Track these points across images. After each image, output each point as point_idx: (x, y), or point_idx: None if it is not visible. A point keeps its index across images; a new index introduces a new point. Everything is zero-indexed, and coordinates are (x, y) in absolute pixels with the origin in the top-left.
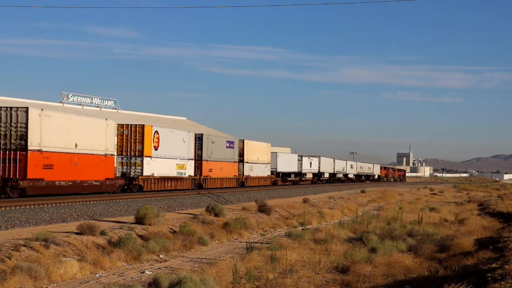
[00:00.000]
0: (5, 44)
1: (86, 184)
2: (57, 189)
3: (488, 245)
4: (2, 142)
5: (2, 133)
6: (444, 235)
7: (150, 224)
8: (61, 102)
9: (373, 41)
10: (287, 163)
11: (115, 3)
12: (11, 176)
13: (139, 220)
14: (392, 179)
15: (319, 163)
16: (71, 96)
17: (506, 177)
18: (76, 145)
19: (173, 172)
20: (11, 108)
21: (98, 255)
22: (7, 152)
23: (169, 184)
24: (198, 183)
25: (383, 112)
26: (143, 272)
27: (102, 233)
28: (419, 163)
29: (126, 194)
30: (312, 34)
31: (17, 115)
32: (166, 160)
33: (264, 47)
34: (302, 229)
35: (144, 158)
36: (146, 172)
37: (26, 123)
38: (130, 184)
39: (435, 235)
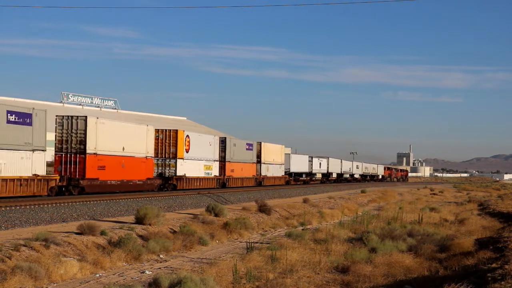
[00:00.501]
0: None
1: (131, 183)
2: (108, 188)
3: (488, 245)
4: (64, 146)
5: (64, 138)
6: (444, 235)
7: (150, 224)
8: (61, 102)
9: (373, 41)
10: (299, 163)
11: (115, 3)
12: (73, 176)
13: (139, 220)
14: (395, 179)
15: (328, 164)
16: (71, 96)
17: (506, 177)
18: (123, 149)
19: (201, 173)
20: (71, 116)
21: (98, 255)
22: (69, 155)
23: (198, 183)
24: (222, 182)
25: (383, 112)
26: (143, 272)
27: (102, 233)
28: (419, 163)
29: (127, 194)
30: (312, 34)
31: (77, 123)
32: (196, 161)
33: (264, 47)
34: (302, 229)
35: (177, 160)
36: (179, 173)
37: (85, 130)
38: (166, 183)
39: (435, 235)
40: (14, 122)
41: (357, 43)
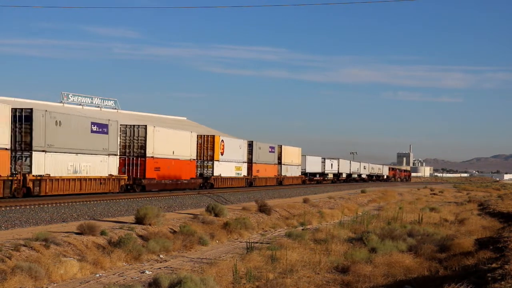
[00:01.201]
0: (5, 44)
1: (179, 182)
2: (163, 186)
3: (488, 245)
4: (127, 151)
5: (127, 144)
6: (444, 235)
7: (150, 224)
8: (61, 102)
9: (373, 41)
10: (314, 164)
11: (115, 3)
12: (136, 176)
13: (139, 220)
14: (399, 179)
15: (338, 165)
16: (71, 96)
17: (506, 177)
18: (173, 152)
19: (232, 173)
20: (133, 125)
21: (98, 255)
22: (131, 158)
23: (230, 183)
24: (250, 182)
25: (383, 112)
26: (143, 272)
27: (102, 233)
28: (419, 163)
29: (127, 194)
30: (312, 34)
31: (138, 131)
32: (229, 163)
33: (264, 47)
34: (302, 229)
35: (214, 161)
36: (216, 173)
37: (145, 137)
38: (205, 182)
39: (435, 235)
40: (96, 132)
41: (357, 43)
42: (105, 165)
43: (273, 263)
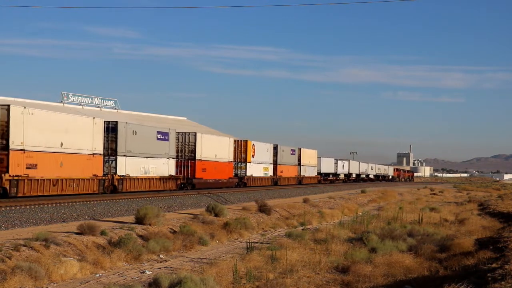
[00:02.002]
0: (5, 44)
1: (220, 181)
2: (209, 185)
3: (488, 245)
4: (180, 154)
5: (180, 148)
6: (444, 235)
7: (150, 224)
8: (61, 102)
9: (373, 41)
10: (327, 165)
11: (115, 3)
12: (187, 176)
13: (139, 220)
14: (403, 179)
15: (349, 166)
16: (71, 96)
17: (507, 177)
18: (215, 156)
19: (261, 173)
20: (185, 133)
21: (98, 255)
22: (183, 161)
23: (259, 182)
24: (275, 181)
25: (383, 112)
26: (143, 272)
27: (102, 233)
28: (419, 163)
29: (127, 194)
30: (312, 34)
31: (189, 137)
32: (258, 164)
33: (264, 47)
34: (302, 229)
35: (247, 163)
36: (248, 173)
37: (194, 142)
38: (240, 181)
39: (435, 235)
40: (160, 139)
41: (357, 43)
42: (166, 167)
43: (273, 263)
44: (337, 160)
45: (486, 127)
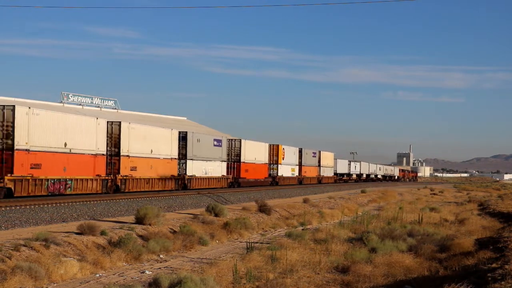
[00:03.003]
0: (5, 44)
1: (259, 180)
2: (250, 183)
3: (488, 245)
4: (226, 158)
5: (228, 152)
6: (444, 235)
7: (150, 224)
8: (61, 102)
9: (373, 41)
10: (342, 166)
11: (115, 3)
12: (234, 176)
13: (139, 220)
14: (407, 179)
15: (360, 167)
16: (71, 96)
17: (507, 177)
18: (255, 158)
19: (289, 173)
20: (232, 139)
21: (98, 255)
22: (230, 163)
23: (288, 181)
24: (300, 180)
25: (383, 112)
26: (143, 272)
27: (102, 233)
28: (419, 163)
29: (127, 194)
30: (312, 34)
31: (235, 143)
32: (287, 166)
33: (264, 47)
34: (302, 229)
35: (278, 165)
36: (279, 173)
37: (239, 148)
38: (273, 180)
39: (435, 235)
40: (215, 145)
41: (357, 43)
42: (219, 168)
43: (273, 263)
44: (350, 161)
45: (486, 127)
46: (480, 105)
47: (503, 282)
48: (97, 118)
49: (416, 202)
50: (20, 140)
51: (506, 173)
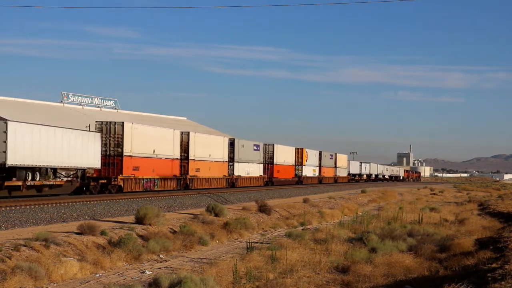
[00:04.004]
0: (5, 44)
1: (287, 179)
2: (281, 182)
3: (488, 245)
4: (263, 160)
5: (263, 156)
6: (444, 235)
7: (150, 224)
8: (61, 102)
9: (373, 41)
10: (354, 167)
11: (115, 3)
12: (269, 176)
13: (140, 220)
14: (411, 179)
15: (370, 167)
16: (71, 96)
17: (507, 177)
18: (284, 160)
19: (311, 174)
20: (266, 144)
21: (98, 255)
22: (265, 165)
23: (310, 181)
24: (320, 180)
25: (383, 112)
26: (143, 272)
27: (103, 233)
28: (419, 163)
29: (126, 194)
30: (312, 34)
31: (269, 147)
32: (310, 167)
33: (264, 47)
34: (302, 229)
35: (302, 166)
36: (303, 174)
37: (273, 151)
38: (298, 180)
39: (435, 235)
40: (255, 150)
41: (357, 43)
42: (258, 169)
43: (273, 263)
44: (361, 163)
45: (486, 127)
46: (480, 105)
47: (503, 282)
48: (174, 130)
49: (416, 202)
50: (127, 148)
51: (506, 173)
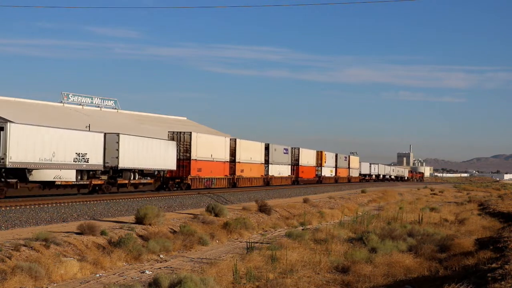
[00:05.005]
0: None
1: (310, 179)
2: (305, 181)
3: (488, 245)
4: (290, 162)
5: (290, 158)
6: (444, 235)
7: (150, 224)
8: (61, 102)
9: (374, 41)
10: (365, 168)
11: (115, 3)
12: (295, 176)
13: (140, 220)
14: (415, 179)
15: (378, 168)
16: (71, 96)
17: (507, 177)
18: (307, 162)
19: (329, 174)
20: (293, 147)
21: (98, 255)
22: (292, 166)
23: (328, 180)
24: (336, 179)
25: (384, 112)
26: (143, 272)
27: (103, 233)
28: (419, 163)
29: (127, 194)
30: (314, 34)
31: (295, 150)
32: (327, 168)
33: (266, 47)
34: (303, 229)
35: (322, 167)
36: (322, 174)
37: (298, 154)
38: (319, 179)
39: (435, 235)
40: (284, 153)
41: (359, 43)
42: (287, 170)
43: (273, 263)
44: (370, 164)
45: (486, 127)
46: (481, 105)
47: (503, 282)
48: (225, 137)
49: (416, 202)
50: (193, 154)
51: (506, 173)
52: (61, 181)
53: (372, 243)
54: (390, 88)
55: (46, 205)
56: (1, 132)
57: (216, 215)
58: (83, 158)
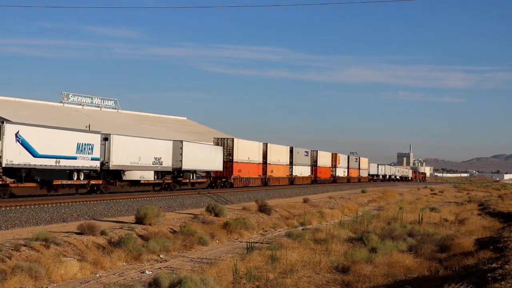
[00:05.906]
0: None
1: (326, 179)
2: (321, 181)
3: (488, 245)
4: (309, 163)
5: (310, 159)
6: (444, 235)
7: (150, 224)
8: (61, 102)
9: (374, 41)
10: (373, 168)
11: (116, 3)
12: (314, 176)
13: (140, 220)
14: (418, 179)
15: (385, 169)
16: (71, 96)
17: (507, 177)
18: (324, 164)
19: (342, 174)
20: (311, 150)
21: (98, 255)
22: (311, 167)
23: (341, 180)
24: (348, 179)
25: (384, 112)
26: (143, 272)
27: (103, 233)
28: (419, 163)
29: (127, 194)
30: (313, 34)
31: (313, 153)
32: (341, 168)
33: (266, 47)
34: (303, 229)
35: (336, 168)
36: (336, 174)
37: (317, 156)
38: (333, 179)
39: (435, 235)
40: (305, 155)
41: (358, 43)
42: (307, 171)
43: (273, 263)
44: (378, 165)
45: (486, 127)
46: (480, 105)
47: (503, 282)
48: (259, 142)
49: (416, 202)
50: (235, 157)
51: (506, 173)
52: (144, 180)
53: (372, 243)
54: (389, 88)
55: (46, 205)
56: (106, 142)
57: (216, 215)
58: (158, 161)
